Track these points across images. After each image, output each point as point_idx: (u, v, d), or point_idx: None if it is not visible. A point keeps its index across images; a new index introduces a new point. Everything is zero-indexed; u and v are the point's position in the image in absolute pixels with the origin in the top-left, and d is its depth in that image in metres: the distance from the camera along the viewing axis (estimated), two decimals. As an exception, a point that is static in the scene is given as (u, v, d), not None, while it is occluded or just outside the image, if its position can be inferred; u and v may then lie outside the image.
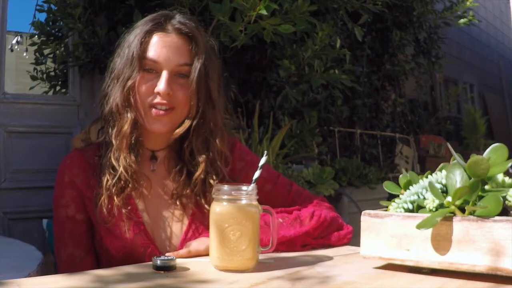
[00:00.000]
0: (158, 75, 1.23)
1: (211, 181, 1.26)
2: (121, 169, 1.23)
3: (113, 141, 1.25)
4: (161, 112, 1.23)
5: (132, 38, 1.26)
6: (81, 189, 1.27)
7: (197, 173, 1.27)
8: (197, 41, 1.27)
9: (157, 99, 1.23)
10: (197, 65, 1.25)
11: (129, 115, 1.24)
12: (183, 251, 1.15)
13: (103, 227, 1.24)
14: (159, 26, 1.26)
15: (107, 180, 1.23)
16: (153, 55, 1.23)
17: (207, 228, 1.13)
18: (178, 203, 1.28)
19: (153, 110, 1.23)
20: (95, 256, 1.31)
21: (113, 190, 1.23)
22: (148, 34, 1.25)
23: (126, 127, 1.23)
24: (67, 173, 1.28)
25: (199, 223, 1.27)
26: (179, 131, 1.27)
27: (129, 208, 1.24)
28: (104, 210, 1.23)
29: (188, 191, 1.27)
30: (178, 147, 1.31)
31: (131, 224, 1.23)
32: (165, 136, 1.30)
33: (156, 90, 1.22)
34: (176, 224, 1.28)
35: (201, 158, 1.27)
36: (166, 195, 1.29)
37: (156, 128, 1.25)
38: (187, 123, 1.27)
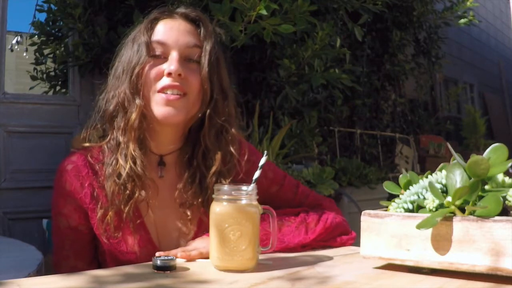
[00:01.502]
0: (166, 60, 1.17)
1: (223, 181, 1.20)
2: (128, 166, 1.14)
3: (121, 139, 1.17)
4: (173, 96, 1.15)
5: (137, 31, 1.21)
6: (83, 199, 1.18)
7: (212, 170, 1.19)
8: (205, 25, 1.22)
9: (167, 82, 1.15)
10: (207, 48, 1.19)
11: (137, 101, 1.15)
12: (191, 251, 1.09)
13: (109, 242, 1.17)
14: (165, 13, 1.22)
15: (113, 191, 1.15)
16: (161, 38, 1.17)
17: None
18: (188, 213, 1.20)
19: (163, 95, 1.15)
20: (98, 267, 1.24)
21: (120, 199, 1.15)
22: (154, 21, 1.20)
23: (135, 116, 1.14)
24: (68, 180, 1.19)
25: (206, 232, 1.18)
26: (195, 117, 1.20)
27: (138, 222, 1.17)
28: (112, 226, 1.15)
29: (199, 200, 1.20)
30: (190, 150, 1.23)
31: (138, 238, 1.17)
32: (175, 133, 1.22)
33: (166, 71, 1.15)
34: (184, 235, 1.22)
35: (216, 154, 1.20)
36: (174, 204, 1.21)
37: (167, 115, 1.15)
38: (201, 110, 1.20)
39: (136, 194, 1.16)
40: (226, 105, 1.23)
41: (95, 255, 1.25)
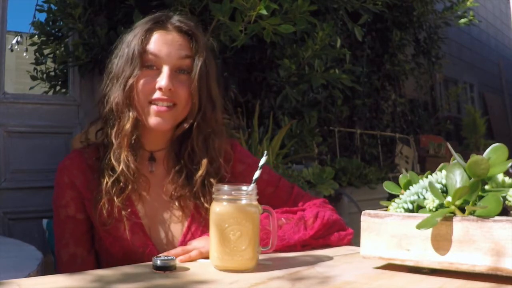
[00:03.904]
0: (159, 71, 1.23)
1: (211, 180, 1.26)
2: (121, 168, 1.22)
3: (113, 141, 1.24)
4: (163, 108, 1.23)
5: (132, 37, 1.26)
6: (80, 190, 1.27)
7: (199, 173, 1.27)
8: (197, 39, 1.28)
9: (158, 95, 1.22)
10: (198, 62, 1.25)
11: (130, 113, 1.23)
12: (191, 251, 1.11)
13: (102, 228, 1.24)
14: (159, 24, 1.27)
15: (106, 183, 1.23)
16: (154, 51, 1.24)
17: (206, 230, 1.12)
18: (176, 204, 1.28)
19: (155, 106, 1.23)
20: (95, 255, 1.31)
21: (113, 192, 1.22)
22: (149, 32, 1.25)
23: (128, 126, 1.23)
24: (66, 173, 1.28)
25: (198, 225, 1.27)
26: (181, 128, 1.27)
27: (129, 210, 1.24)
28: (104, 212, 1.22)
29: (187, 192, 1.27)
30: (177, 147, 1.31)
31: (129, 225, 1.23)
32: (165, 135, 1.30)
33: (157, 85, 1.22)
34: (175, 226, 1.28)
35: (202, 158, 1.27)
36: (165, 196, 1.29)
37: (157, 124, 1.24)
38: (189, 121, 1.27)
39: (129, 187, 1.24)
40: (214, 114, 1.30)
41: (93, 243, 1.31)
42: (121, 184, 1.23)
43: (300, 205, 1.34)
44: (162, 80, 1.22)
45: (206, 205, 1.24)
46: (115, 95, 1.24)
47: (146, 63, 1.24)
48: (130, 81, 1.22)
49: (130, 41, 1.26)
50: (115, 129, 1.25)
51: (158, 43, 1.24)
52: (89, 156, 1.29)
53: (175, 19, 1.29)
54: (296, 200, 1.37)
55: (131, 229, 1.24)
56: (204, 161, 1.27)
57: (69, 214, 1.27)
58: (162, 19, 1.28)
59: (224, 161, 1.31)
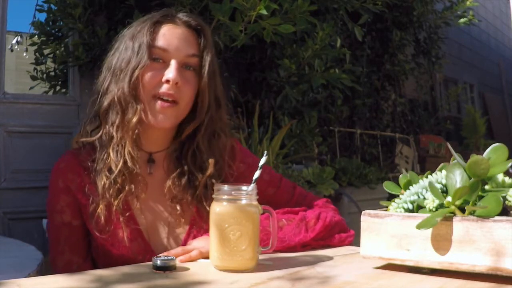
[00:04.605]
0: (165, 65, 1.20)
1: (213, 181, 1.22)
2: (120, 165, 1.17)
3: (115, 135, 1.19)
4: (167, 104, 1.19)
5: (138, 29, 1.23)
6: (76, 195, 1.22)
7: (204, 174, 1.23)
8: (206, 35, 1.26)
9: (164, 89, 1.19)
10: (207, 58, 1.23)
11: (137, 106, 1.18)
12: (191, 251, 1.10)
13: (100, 236, 1.20)
14: (168, 18, 1.24)
15: (104, 184, 1.18)
16: (163, 43, 1.21)
17: (207, 233, 1.11)
18: (178, 208, 1.23)
19: (158, 102, 1.19)
20: (92, 262, 1.27)
21: (110, 192, 1.18)
22: (158, 24, 1.23)
23: (135, 119, 1.18)
24: (61, 177, 1.23)
25: (199, 229, 1.23)
26: (191, 127, 1.24)
27: (127, 215, 1.20)
28: (102, 218, 1.18)
29: (188, 195, 1.23)
30: (179, 149, 1.27)
31: (128, 232, 1.19)
32: (165, 135, 1.27)
33: (164, 78, 1.18)
34: (175, 231, 1.24)
35: (207, 158, 1.24)
36: (164, 200, 1.25)
37: (160, 121, 1.20)
38: (198, 120, 1.24)
39: (126, 188, 1.19)
40: (219, 113, 1.28)
41: (89, 250, 1.27)
42: (118, 185, 1.18)
43: (303, 205, 1.31)
44: (170, 72, 1.18)
45: (208, 208, 1.16)
46: (119, 86, 1.20)
47: (153, 56, 1.20)
48: (137, 72, 1.18)
49: (136, 33, 1.22)
50: (117, 123, 1.19)
51: (167, 36, 1.21)
52: (84, 158, 1.23)
53: (183, 14, 1.27)
54: (299, 200, 1.35)
55: (130, 236, 1.20)
56: (211, 161, 1.23)
57: (64, 221, 1.23)
58: (171, 14, 1.26)
59: (229, 159, 1.28)
